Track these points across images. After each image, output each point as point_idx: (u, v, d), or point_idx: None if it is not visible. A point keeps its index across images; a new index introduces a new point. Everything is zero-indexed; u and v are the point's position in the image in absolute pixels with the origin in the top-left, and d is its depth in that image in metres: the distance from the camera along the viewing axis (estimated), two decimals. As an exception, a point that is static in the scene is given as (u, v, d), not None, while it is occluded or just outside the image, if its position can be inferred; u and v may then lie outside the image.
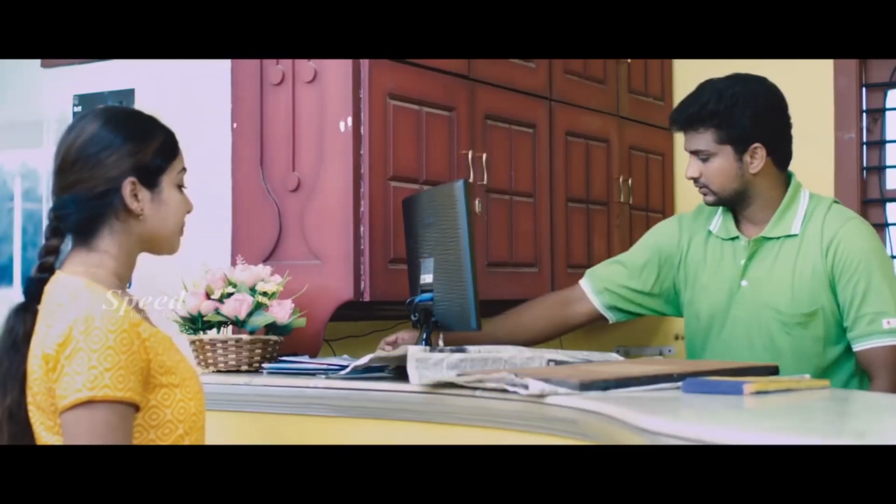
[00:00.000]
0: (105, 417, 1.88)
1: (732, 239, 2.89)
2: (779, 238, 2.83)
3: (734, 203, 2.85)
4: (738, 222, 2.90)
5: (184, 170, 2.16)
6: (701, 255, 2.95)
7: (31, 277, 2.06)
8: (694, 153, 2.82)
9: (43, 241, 2.09)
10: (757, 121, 2.79)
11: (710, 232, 2.95)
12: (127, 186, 2.05)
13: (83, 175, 2.04)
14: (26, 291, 2.05)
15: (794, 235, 2.81)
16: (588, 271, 3.13)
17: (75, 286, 2.00)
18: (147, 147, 2.08)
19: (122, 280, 2.10)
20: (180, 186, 2.15)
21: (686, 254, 2.98)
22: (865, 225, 2.86)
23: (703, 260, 2.94)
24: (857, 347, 2.75)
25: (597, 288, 3.05)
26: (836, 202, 2.88)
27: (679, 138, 4.57)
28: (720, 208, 2.92)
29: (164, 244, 2.15)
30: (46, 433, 1.97)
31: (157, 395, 1.99)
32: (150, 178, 2.08)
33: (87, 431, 1.88)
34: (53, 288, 2.02)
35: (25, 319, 2.02)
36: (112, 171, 2.04)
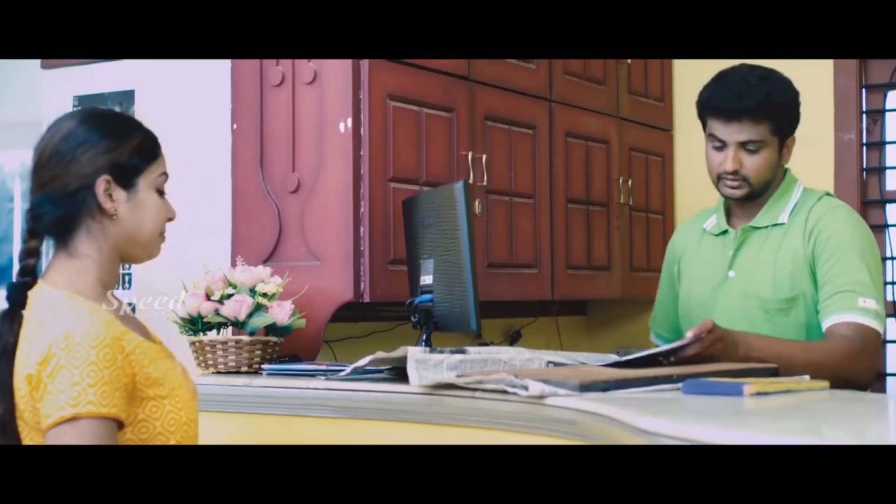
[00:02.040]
0: (90, 433, 1.85)
1: (723, 233, 2.87)
2: (766, 227, 2.80)
3: (759, 196, 2.80)
4: (729, 216, 2.88)
5: (164, 174, 2.09)
6: (696, 253, 2.94)
7: (15, 283, 2.00)
8: (741, 144, 2.72)
9: (22, 244, 2.04)
10: (798, 113, 2.79)
11: (704, 230, 2.94)
12: (101, 185, 2.00)
13: (57, 172, 2.00)
14: (10, 297, 1.99)
15: (781, 224, 2.79)
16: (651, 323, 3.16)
17: (57, 300, 1.95)
18: (124, 145, 2.03)
19: (107, 286, 2.05)
20: (160, 191, 2.09)
21: (685, 251, 2.98)
22: (852, 214, 2.81)
23: (696, 257, 2.94)
24: (828, 322, 2.66)
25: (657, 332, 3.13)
26: (828, 194, 2.84)
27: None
28: (720, 205, 2.89)
29: (141, 248, 2.08)
30: None
31: (146, 409, 1.96)
32: (125, 178, 2.02)
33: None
34: (36, 301, 1.98)
35: (12, 328, 1.96)
36: (86, 169, 1.99)
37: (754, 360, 2.50)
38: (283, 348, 2.93)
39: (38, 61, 3.75)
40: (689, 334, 2.44)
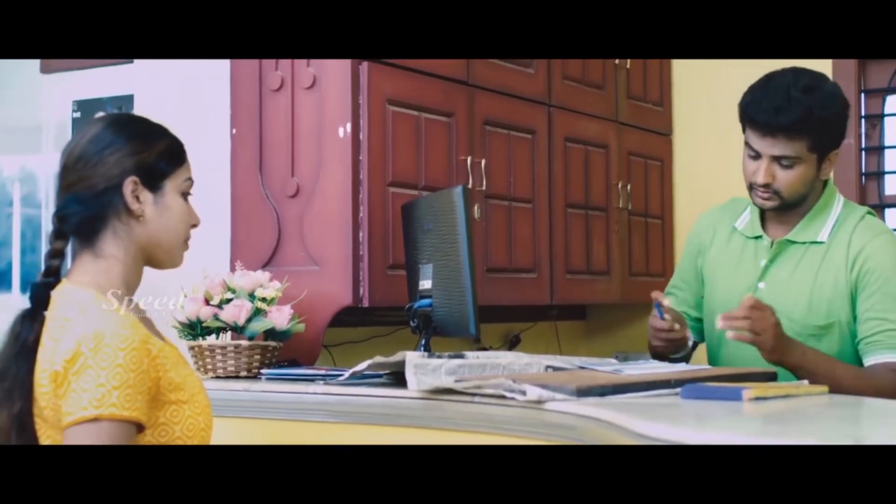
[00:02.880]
0: (109, 435, 1.85)
1: (756, 238, 2.76)
2: (804, 243, 2.70)
3: (793, 207, 2.70)
4: (763, 220, 2.77)
5: (190, 180, 2.12)
6: (722, 251, 2.83)
7: (38, 283, 2.02)
8: (775, 158, 2.60)
9: (48, 245, 2.06)
10: (844, 126, 2.66)
11: (734, 228, 2.82)
12: (128, 185, 2.01)
13: (85, 173, 2.01)
14: (32, 297, 2.01)
15: (821, 243, 2.68)
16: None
17: (83, 299, 1.96)
18: (151, 148, 2.05)
19: (130, 288, 2.06)
20: (185, 195, 2.11)
21: (711, 245, 2.86)
22: None
23: (723, 257, 2.82)
24: (873, 359, 2.60)
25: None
26: (869, 213, 2.73)
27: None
28: (750, 205, 2.79)
29: (165, 253, 2.10)
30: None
31: (167, 413, 1.97)
32: (152, 180, 2.05)
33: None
34: (61, 299, 1.99)
35: (33, 327, 1.97)
36: (114, 170, 2.01)
37: (804, 371, 2.49)
38: (282, 353, 2.92)
39: (37, 66, 3.75)
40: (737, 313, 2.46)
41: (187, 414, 2.00)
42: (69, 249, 2.08)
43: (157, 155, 2.06)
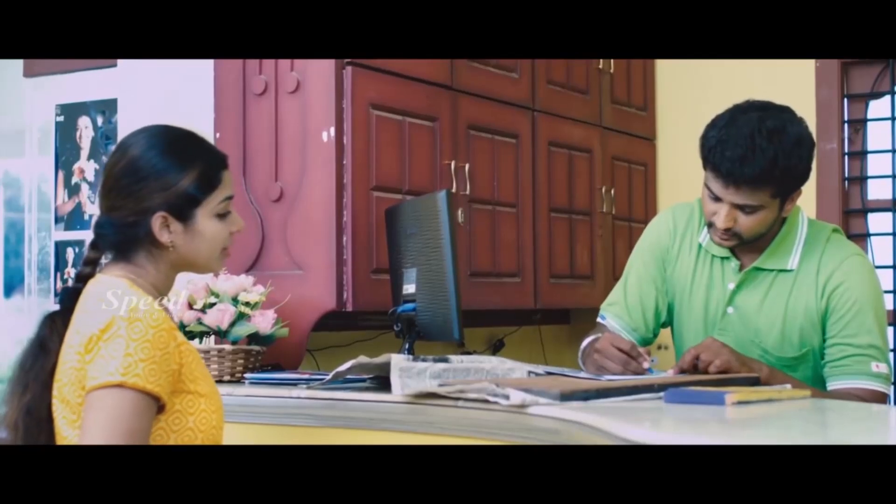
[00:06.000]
0: (132, 401, 1.90)
1: (723, 258, 2.69)
2: (772, 270, 2.64)
3: (752, 243, 2.62)
4: None
5: (227, 199, 2.13)
6: (690, 267, 2.74)
7: (68, 287, 2.09)
8: (737, 205, 2.52)
9: (84, 252, 2.12)
10: (809, 168, 2.58)
11: (700, 245, 2.73)
12: (157, 220, 2.05)
13: (117, 203, 2.06)
14: (62, 300, 2.08)
15: (790, 271, 2.63)
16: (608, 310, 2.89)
17: (120, 286, 2.01)
18: (182, 180, 2.06)
19: (160, 293, 2.11)
20: (221, 214, 2.12)
21: (677, 255, 2.78)
22: (865, 262, 2.67)
23: (691, 273, 2.74)
24: (839, 384, 2.58)
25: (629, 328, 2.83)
26: (835, 231, 2.69)
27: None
28: None
29: (201, 268, 2.16)
30: (68, 428, 1.98)
31: (183, 401, 2.00)
32: (182, 211, 2.07)
33: (112, 409, 1.89)
34: (95, 287, 2.04)
35: (56, 325, 2.04)
36: (143, 204, 2.05)
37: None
38: (265, 357, 2.92)
39: (20, 70, 3.74)
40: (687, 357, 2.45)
41: (202, 408, 2.03)
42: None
43: (189, 184, 2.07)
